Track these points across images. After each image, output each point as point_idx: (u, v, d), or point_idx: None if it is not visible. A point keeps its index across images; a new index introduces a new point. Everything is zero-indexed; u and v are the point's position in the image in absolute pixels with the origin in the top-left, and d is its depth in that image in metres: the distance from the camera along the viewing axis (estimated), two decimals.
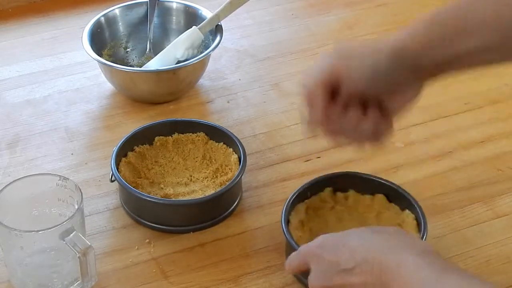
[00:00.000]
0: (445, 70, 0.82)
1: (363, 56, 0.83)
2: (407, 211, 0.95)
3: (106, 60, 1.17)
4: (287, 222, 0.93)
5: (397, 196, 0.97)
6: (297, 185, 1.04)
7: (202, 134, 1.07)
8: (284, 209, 0.94)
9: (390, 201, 0.97)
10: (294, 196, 0.96)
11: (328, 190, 0.98)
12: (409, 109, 0.85)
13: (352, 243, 0.77)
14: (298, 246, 0.86)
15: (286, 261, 0.84)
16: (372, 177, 0.99)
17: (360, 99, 0.84)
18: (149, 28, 1.25)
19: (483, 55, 0.80)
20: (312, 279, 0.80)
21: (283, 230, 0.91)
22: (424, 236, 0.90)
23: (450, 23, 0.80)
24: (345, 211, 0.98)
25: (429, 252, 0.74)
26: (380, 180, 0.98)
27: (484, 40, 0.79)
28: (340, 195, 0.99)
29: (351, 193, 0.99)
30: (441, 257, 0.74)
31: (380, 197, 0.98)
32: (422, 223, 0.92)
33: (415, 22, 0.83)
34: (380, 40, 0.83)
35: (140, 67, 1.22)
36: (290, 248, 0.90)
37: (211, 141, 1.07)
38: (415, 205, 0.94)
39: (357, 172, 1.00)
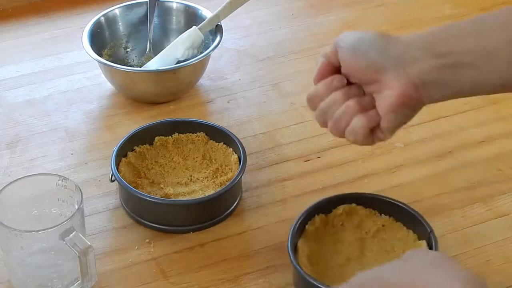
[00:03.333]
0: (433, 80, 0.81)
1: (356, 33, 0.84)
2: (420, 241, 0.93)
3: (106, 60, 1.17)
4: (295, 249, 0.91)
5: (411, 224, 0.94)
6: (297, 185, 1.05)
7: (202, 134, 1.07)
8: (290, 234, 0.91)
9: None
10: (300, 221, 0.93)
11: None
12: (395, 122, 0.82)
13: (392, 280, 0.72)
14: (310, 277, 0.86)
15: None
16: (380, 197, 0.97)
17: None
18: (149, 28, 1.25)
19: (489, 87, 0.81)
20: None
21: (291, 260, 0.89)
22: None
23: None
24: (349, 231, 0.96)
25: (475, 282, 0.69)
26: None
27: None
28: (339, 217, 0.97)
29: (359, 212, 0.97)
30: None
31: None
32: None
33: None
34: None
35: (140, 67, 1.22)
36: (299, 277, 0.88)
37: (211, 141, 1.07)
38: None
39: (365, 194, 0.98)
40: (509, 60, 0.78)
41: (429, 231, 0.91)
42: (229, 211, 1.01)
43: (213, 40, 1.19)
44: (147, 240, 0.98)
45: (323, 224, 0.95)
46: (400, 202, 0.95)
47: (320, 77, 0.85)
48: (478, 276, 0.70)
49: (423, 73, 0.80)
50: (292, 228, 0.92)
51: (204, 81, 1.23)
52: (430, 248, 0.90)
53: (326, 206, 0.96)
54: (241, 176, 1.00)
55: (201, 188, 1.02)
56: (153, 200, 0.98)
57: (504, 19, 0.80)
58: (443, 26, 0.82)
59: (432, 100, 0.82)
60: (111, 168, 1.00)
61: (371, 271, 0.77)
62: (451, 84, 0.80)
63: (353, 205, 0.96)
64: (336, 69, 0.84)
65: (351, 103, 0.82)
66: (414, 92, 0.80)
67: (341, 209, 0.95)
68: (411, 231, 0.94)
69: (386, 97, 0.80)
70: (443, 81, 0.80)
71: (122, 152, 1.04)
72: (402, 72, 0.80)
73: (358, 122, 0.81)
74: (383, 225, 0.95)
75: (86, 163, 1.09)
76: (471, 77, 0.79)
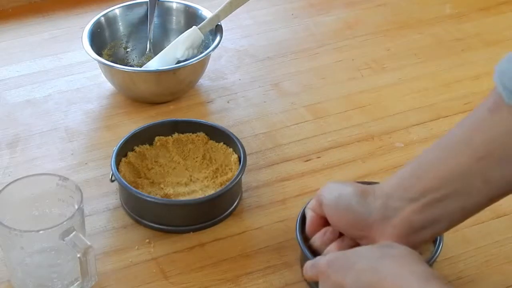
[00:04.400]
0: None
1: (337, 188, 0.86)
2: None
3: (106, 60, 1.17)
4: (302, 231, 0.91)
5: None
6: (297, 185, 1.05)
7: (202, 134, 1.07)
8: (299, 219, 0.91)
9: None
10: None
11: None
12: None
13: (359, 265, 0.77)
14: (312, 256, 0.86)
15: (304, 268, 0.84)
16: None
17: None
18: (149, 28, 1.25)
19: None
20: None
21: (298, 240, 0.89)
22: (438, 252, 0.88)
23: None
24: None
25: (437, 278, 0.74)
26: None
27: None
28: None
29: None
30: (448, 283, 0.74)
31: None
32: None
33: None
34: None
35: (140, 67, 1.23)
36: (305, 258, 0.88)
37: (211, 141, 1.07)
38: None
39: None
40: (484, 178, 0.78)
41: None
42: (229, 211, 1.01)
43: (213, 40, 1.19)
44: (147, 240, 0.98)
45: None
46: None
47: (313, 231, 0.88)
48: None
49: (409, 220, 0.81)
50: (298, 217, 0.92)
51: (204, 81, 1.23)
52: (434, 244, 0.90)
53: None
54: (241, 176, 1.00)
55: (201, 188, 1.02)
56: (153, 200, 0.98)
57: (464, 135, 0.80)
58: (412, 164, 0.84)
59: (427, 240, 0.83)
60: (111, 168, 1.00)
61: (346, 253, 0.80)
62: (442, 218, 0.81)
63: None
64: (326, 220, 0.87)
65: None
66: (404, 242, 0.81)
67: None
68: None
69: None
70: (432, 219, 0.81)
71: (122, 152, 1.04)
72: (388, 226, 0.81)
73: None
74: None
75: (86, 163, 1.09)
76: (458, 204, 0.80)
